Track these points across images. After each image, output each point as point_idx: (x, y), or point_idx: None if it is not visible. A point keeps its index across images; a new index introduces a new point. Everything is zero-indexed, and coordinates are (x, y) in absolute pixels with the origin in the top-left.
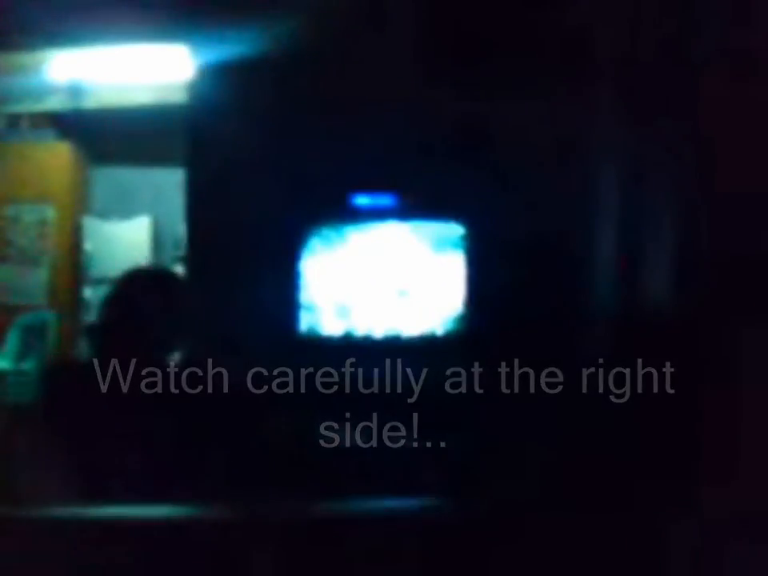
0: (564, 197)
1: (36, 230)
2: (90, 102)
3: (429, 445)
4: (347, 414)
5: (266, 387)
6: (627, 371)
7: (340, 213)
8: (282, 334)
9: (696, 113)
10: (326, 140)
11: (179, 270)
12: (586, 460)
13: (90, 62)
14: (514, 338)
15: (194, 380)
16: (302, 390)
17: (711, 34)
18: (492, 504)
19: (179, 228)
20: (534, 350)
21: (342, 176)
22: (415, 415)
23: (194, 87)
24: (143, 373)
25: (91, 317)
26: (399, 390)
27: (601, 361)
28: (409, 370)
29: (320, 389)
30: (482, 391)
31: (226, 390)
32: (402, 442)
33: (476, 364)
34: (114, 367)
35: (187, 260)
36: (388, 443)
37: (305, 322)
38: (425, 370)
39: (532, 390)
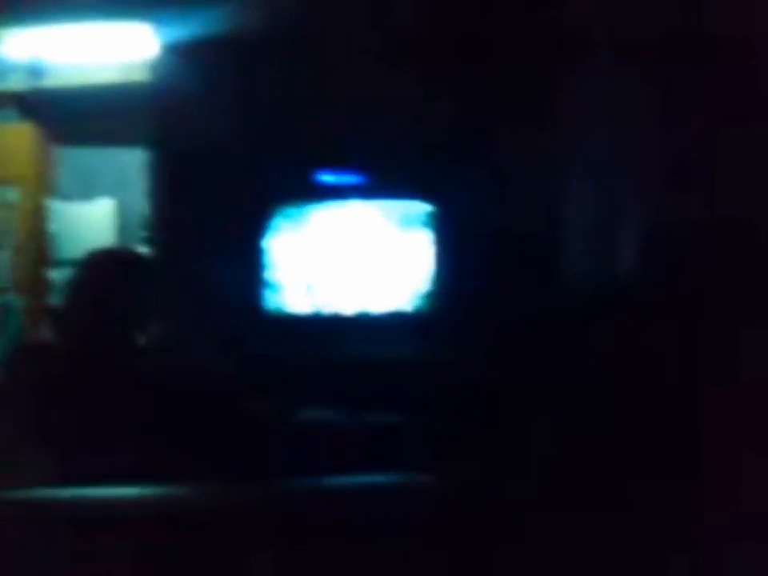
0: (532, 174)
1: None
2: (53, 82)
3: (396, 421)
4: (314, 392)
5: (233, 366)
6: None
7: (306, 191)
8: (248, 312)
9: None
10: (291, 118)
11: (145, 250)
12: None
13: (51, 41)
14: (482, 315)
15: (161, 360)
16: (270, 369)
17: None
18: (464, 480)
19: (145, 209)
20: (502, 326)
21: (308, 154)
22: (382, 393)
23: (158, 66)
24: (109, 354)
25: (56, 299)
26: (366, 368)
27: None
28: (375, 348)
29: (287, 367)
30: (449, 368)
31: (193, 369)
32: (370, 419)
33: (443, 341)
34: (80, 349)
35: (153, 241)
36: (356, 420)
37: (271, 301)
38: (391, 348)
39: (500, 366)
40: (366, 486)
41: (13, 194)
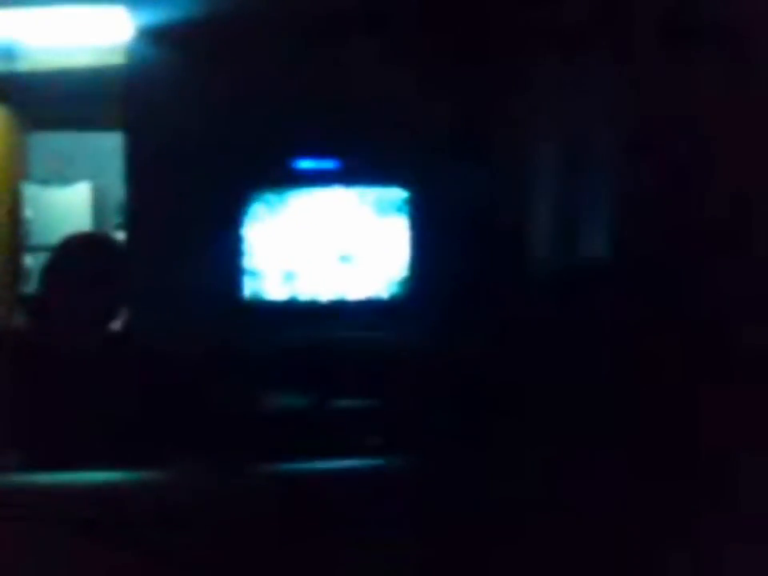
0: (507, 162)
1: None
2: (26, 65)
3: (373, 407)
4: (292, 379)
5: (210, 353)
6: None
7: (283, 177)
8: (225, 299)
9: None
10: (269, 104)
11: (121, 236)
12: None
13: (26, 23)
14: (458, 300)
15: (136, 345)
16: (247, 355)
17: None
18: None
19: (121, 194)
20: (478, 312)
21: (285, 140)
22: (359, 379)
23: (134, 50)
24: (82, 340)
25: (32, 285)
26: (343, 354)
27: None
28: (352, 334)
29: (264, 353)
30: (426, 354)
31: (167, 355)
32: (348, 404)
33: (420, 327)
34: (53, 335)
35: (129, 226)
36: (335, 406)
37: (248, 288)
38: (368, 334)
39: (477, 351)
40: (339, 471)
41: None
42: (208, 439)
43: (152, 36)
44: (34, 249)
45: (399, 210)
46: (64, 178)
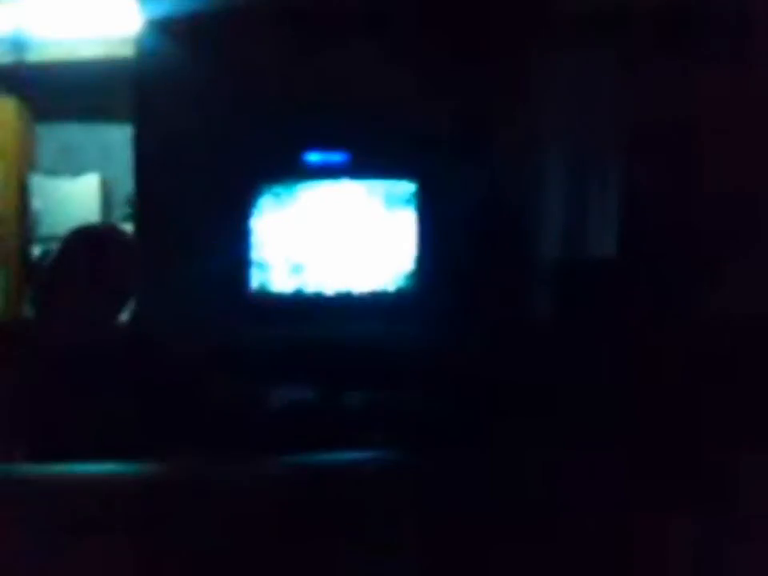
0: (516, 156)
1: None
2: (35, 56)
3: (382, 401)
4: (297, 372)
5: (217, 345)
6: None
7: (291, 170)
8: (233, 291)
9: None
10: (278, 97)
11: (129, 228)
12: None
13: (34, 15)
14: (466, 295)
15: (143, 338)
16: (254, 348)
17: None
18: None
19: (129, 186)
20: (486, 307)
21: (294, 133)
22: (365, 373)
23: (143, 42)
24: (89, 331)
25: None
26: (350, 348)
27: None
28: (359, 328)
29: (271, 346)
30: (433, 348)
31: (176, 348)
32: (356, 398)
33: (427, 321)
34: (60, 326)
35: (137, 218)
36: (342, 400)
37: (256, 280)
38: (375, 328)
39: (484, 346)
40: (344, 465)
41: None
42: (214, 433)
43: (161, 28)
44: (42, 240)
45: (408, 203)
46: (73, 170)
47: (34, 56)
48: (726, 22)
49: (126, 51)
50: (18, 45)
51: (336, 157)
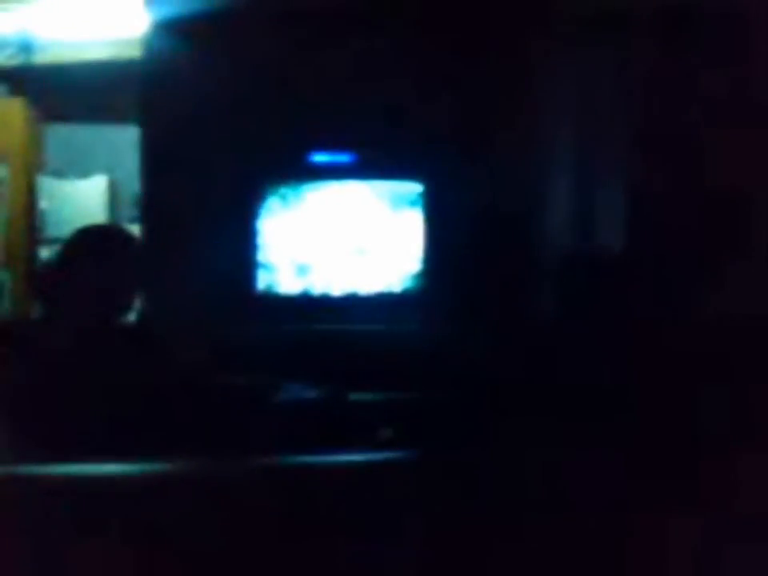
0: (521, 156)
1: None
2: (44, 58)
3: (388, 400)
4: (306, 372)
5: (223, 345)
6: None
7: (298, 170)
8: (239, 292)
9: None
10: (284, 97)
11: (137, 229)
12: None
13: (41, 16)
14: (472, 295)
15: (149, 338)
16: (259, 348)
17: None
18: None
19: (137, 187)
20: (492, 307)
21: (300, 134)
22: (372, 371)
23: (149, 43)
24: (95, 331)
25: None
26: (357, 347)
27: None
28: (365, 328)
29: (277, 345)
30: (440, 347)
31: (182, 348)
32: (362, 397)
33: (433, 321)
34: (66, 326)
35: (144, 219)
36: (347, 399)
37: (262, 281)
38: (381, 327)
39: (490, 346)
40: (349, 464)
41: (2, 171)
42: (219, 432)
43: (168, 29)
44: (50, 241)
45: (414, 203)
46: (80, 171)
47: (41, 57)
48: (726, 21)
49: (133, 52)
50: (25, 46)
51: (342, 157)
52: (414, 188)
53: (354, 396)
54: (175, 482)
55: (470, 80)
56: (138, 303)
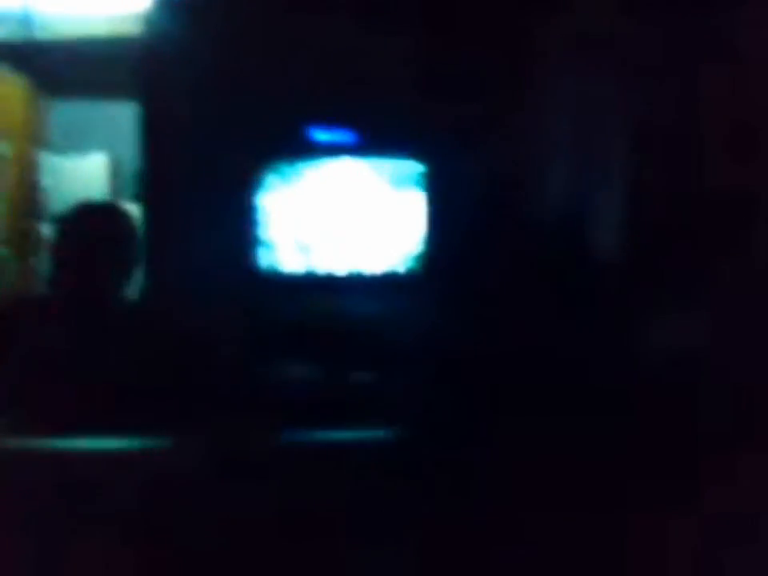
0: (523, 134)
1: None
2: (44, 33)
3: (387, 381)
4: (306, 350)
5: (223, 323)
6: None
7: (298, 148)
8: (239, 270)
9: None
10: (285, 74)
11: (137, 206)
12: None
13: None
14: (474, 276)
15: (151, 314)
16: (259, 327)
17: None
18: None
19: (138, 164)
20: (493, 288)
21: (300, 111)
22: (371, 352)
23: (151, 19)
24: (94, 306)
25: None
26: (356, 327)
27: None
28: (365, 308)
29: (277, 325)
30: (439, 329)
31: (183, 326)
32: (361, 377)
33: (433, 302)
34: (66, 301)
35: (144, 196)
36: (347, 379)
37: (263, 259)
38: (381, 308)
39: (490, 328)
40: (347, 443)
41: (3, 148)
42: (219, 409)
43: (169, 5)
44: (51, 218)
45: (415, 183)
46: (81, 148)
47: (42, 33)
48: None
49: (135, 28)
50: (25, 22)
51: (343, 135)
52: (416, 167)
53: (352, 375)
54: (176, 459)
55: (477, 58)
56: (134, 277)
